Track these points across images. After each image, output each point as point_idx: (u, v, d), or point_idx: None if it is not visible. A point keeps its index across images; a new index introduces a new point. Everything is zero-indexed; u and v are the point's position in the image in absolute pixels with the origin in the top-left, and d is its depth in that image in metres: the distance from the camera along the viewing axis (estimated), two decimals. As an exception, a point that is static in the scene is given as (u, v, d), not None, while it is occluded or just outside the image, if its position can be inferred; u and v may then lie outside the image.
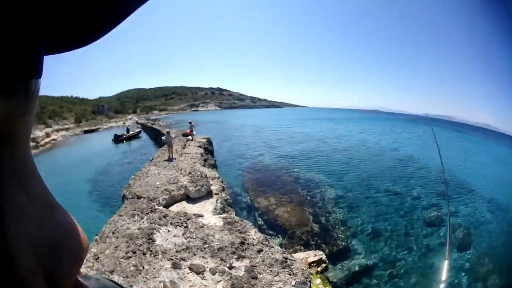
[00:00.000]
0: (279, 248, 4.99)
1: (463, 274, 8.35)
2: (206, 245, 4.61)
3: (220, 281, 3.82)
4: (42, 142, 30.78)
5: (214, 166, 14.22)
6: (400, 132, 51.85)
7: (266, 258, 4.43)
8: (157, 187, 7.62)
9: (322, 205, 12.07)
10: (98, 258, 3.97)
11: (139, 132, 36.59)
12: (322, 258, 6.33)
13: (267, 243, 4.98)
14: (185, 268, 3.99)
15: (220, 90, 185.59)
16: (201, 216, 6.02)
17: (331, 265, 7.28)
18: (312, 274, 5.25)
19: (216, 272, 3.96)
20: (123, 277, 3.61)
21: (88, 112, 64.20)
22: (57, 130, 39.07)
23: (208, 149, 17.38)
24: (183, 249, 4.44)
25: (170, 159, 11.52)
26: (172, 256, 4.21)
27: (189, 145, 16.22)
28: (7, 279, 0.19)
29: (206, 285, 3.71)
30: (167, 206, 6.84)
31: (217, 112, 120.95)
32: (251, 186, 13.96)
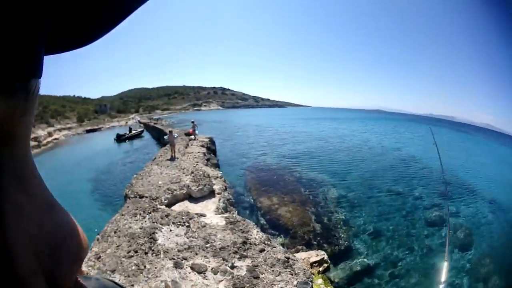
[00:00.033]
0: (281, 248, 4.98)
1: (464, 275, 8.32)
2: (208, 245, 4.61)
3: (221, 280, 3.82)
4: (45, 142, 30.92)
5: (216, 166, 14.24)
6: (402, 132, 51.56)
7: (268, 258, 4.43)
8: (160, 187, 7.63)
9: (325, 204, 12.05)
10: (100, 257, 3.99)
11: (142, 131, 36.61)
12: (324, 258, 6.33)
13: (269, 242, 4.97)
14: (187, 267, 4.00)
15: (223, 89, 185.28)
16: (203, 215, 6.03)
17: (332, 265, 7.28)
18: (314, 274, 5.25)
19: (218, 271, 3.97)
20: (125, 276, 3.62)
21: (90, 111, 64.30)
22: (60, 130, 39.18)
23: (210, 148, 17.40)
24: (185, 249, 4.44)
25: (172, 159, 11.55)
26: (174, 255, 4.21)
27: (191, 145, 16.27)
28: (7, 279, 0.19)
29: (207, 285, 3.71)
30: (169, 205, 6.86)
31: (219, 111, 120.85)
32: (253, 186, 13.96)
